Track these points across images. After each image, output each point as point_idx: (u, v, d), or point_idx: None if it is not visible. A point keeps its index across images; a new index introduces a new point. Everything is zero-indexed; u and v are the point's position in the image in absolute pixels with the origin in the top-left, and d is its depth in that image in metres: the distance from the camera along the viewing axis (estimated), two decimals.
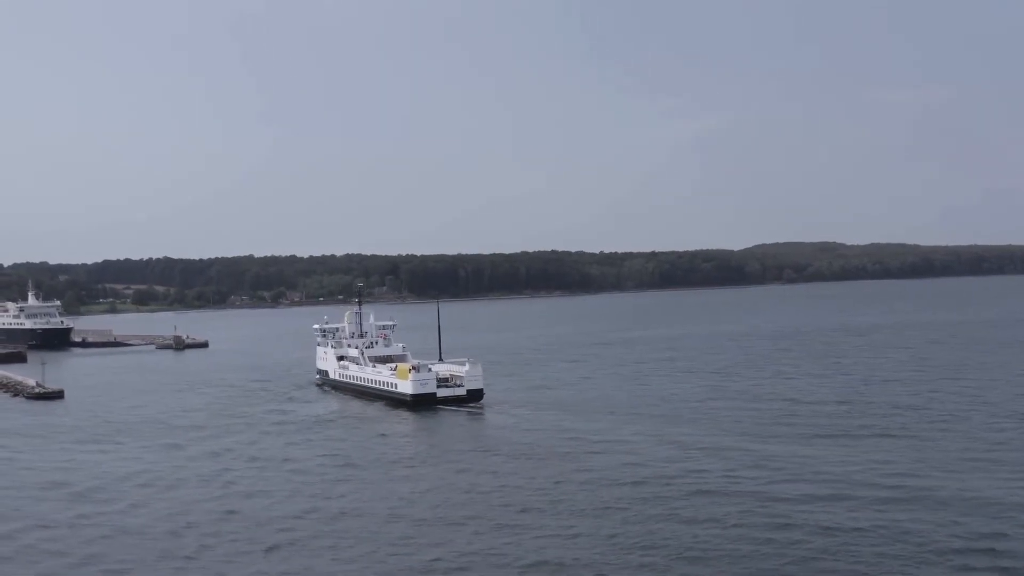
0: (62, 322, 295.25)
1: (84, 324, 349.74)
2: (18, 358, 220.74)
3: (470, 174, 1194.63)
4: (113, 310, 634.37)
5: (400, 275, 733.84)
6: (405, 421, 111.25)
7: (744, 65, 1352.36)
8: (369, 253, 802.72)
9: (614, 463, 78.99)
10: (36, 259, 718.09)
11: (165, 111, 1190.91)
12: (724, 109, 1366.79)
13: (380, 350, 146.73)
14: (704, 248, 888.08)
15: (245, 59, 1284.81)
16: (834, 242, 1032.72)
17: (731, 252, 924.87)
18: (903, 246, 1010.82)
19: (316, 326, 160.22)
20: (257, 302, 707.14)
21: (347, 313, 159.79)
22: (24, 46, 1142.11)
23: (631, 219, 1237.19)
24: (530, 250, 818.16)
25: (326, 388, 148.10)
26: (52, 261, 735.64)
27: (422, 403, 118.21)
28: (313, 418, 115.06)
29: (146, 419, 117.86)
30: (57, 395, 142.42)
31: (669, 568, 51.96)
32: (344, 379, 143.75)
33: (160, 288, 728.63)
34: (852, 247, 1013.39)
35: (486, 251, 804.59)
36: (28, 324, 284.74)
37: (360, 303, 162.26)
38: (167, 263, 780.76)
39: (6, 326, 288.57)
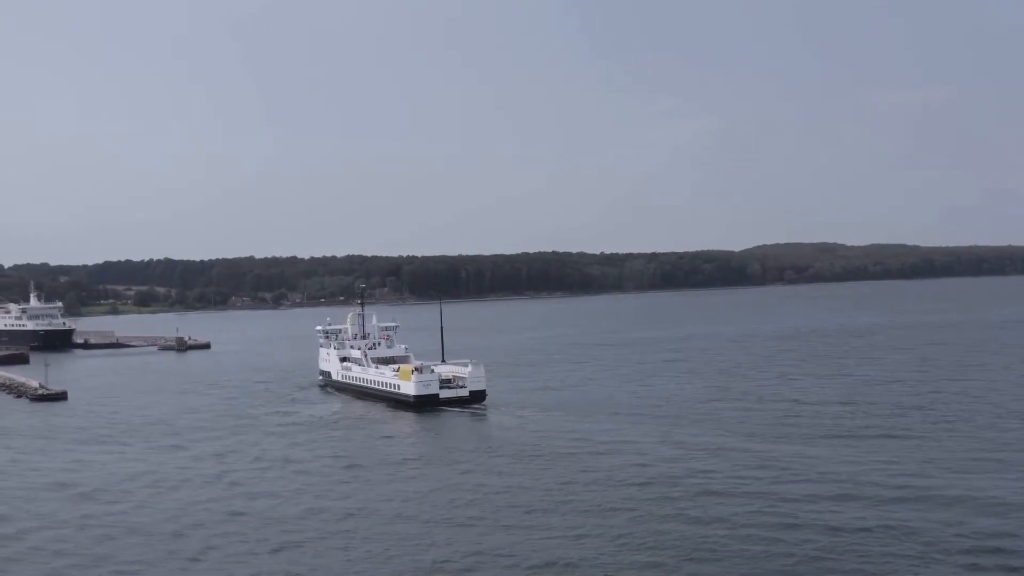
0: (64, 323, 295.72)
1: (85, 325, 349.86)
2: (20, 359, 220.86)
3: (470, 175, 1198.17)
4: (114, 311, 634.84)
5: (401, 276, 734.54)
6: (408, 422, 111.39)
7: (744, 65, 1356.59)
8: (370, 254, 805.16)
9: (619, 464, 79.05)
10: (37, 260, 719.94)
11: (165, 112, 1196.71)
12: (724, 109, 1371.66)
13: (383, 351, 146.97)
14: (705, 249, 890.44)
15: (245, 60, 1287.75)
16: (835, 243, 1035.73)
17: (732, 253, 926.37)
18: (904, 247, 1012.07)
19: (319, 327, 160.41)
20: (258, 303, 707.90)
21: (350, 314, 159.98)
22: (23, 46, 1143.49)
23: (632, 220, 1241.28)
24: (531, 251, 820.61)
25: (329, 389, 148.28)
26: (53, 262, 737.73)
27: (425, 404, 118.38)
28: (316, 419, 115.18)
29: (150, 420, 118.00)
30: (60, 396, 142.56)
31: (678, 568, 52.02)
32: (347, 380, 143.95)
33: (161, 289, 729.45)
34: (853, 248, 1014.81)
35: (487, 252, 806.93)
36: (30, 325, 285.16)
37: (363, 304, 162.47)
38: (168, 264, 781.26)
39: (8, 327, 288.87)
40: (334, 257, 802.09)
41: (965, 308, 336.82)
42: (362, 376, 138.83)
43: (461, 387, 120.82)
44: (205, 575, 54.70)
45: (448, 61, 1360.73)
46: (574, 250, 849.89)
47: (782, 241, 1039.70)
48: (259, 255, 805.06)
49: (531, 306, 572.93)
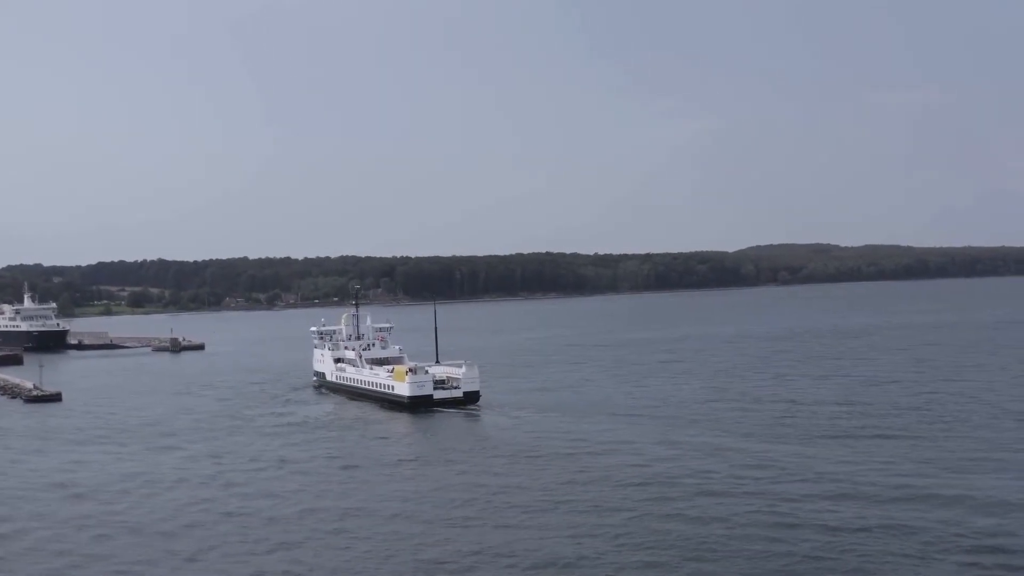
0: (58, 324, 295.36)
1: (79, 326, 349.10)
2: (14, 360, 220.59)
3: (470, 175, 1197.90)
4: (108, 312, 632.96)
5: (395, 277, 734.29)
6: (403, 423, 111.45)
7: (741, 66, 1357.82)
8: (364, 255, 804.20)
9: (617, 464, 79.13)
10: (30, 261, 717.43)
11: (165, 112, 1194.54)
12: (723, 110, 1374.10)
13: (377, 352, 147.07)
14: (699, 250, 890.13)
15: (245, 60, 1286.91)
16: (829, 244, 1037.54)
17: (726, 254, 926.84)
18: (897, 248, 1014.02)
19: (313, 328, 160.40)
20: (252, 304, 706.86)
21: (344, 315, 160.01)
22: (23, 46, 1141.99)
23: (629, 221, 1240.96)
24: (525, 252, 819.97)
25: (323, 390, 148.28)
26: (46, 263, 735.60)
27: (419, 405, 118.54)
28: (311, 420, 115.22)
29: (146, 421, 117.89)
30: (55, 397, 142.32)
31: (678, 567, 52.08)
32: (341, 381, 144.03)
33: (155, 290, 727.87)
34: (846, 249, 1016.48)
35: (481, 253, 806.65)
36: (24, 326, 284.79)
37: (357, 305, 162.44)
38: (161, 265, 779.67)
39: (2, 328, 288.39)
40: (328, 258, 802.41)
41: (959, 309, 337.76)
42: (356, 377, 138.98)
43: (455, 388, 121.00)
44: (203, 575, 54.77)
45: (448, 61, 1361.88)
46: (568, 251, 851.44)
47: (776, 242, 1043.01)
48: (253, 256, 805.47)
49: (525, 307, 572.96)
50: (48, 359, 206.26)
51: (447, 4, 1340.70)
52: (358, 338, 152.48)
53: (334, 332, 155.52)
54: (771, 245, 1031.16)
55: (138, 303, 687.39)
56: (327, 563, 55.42)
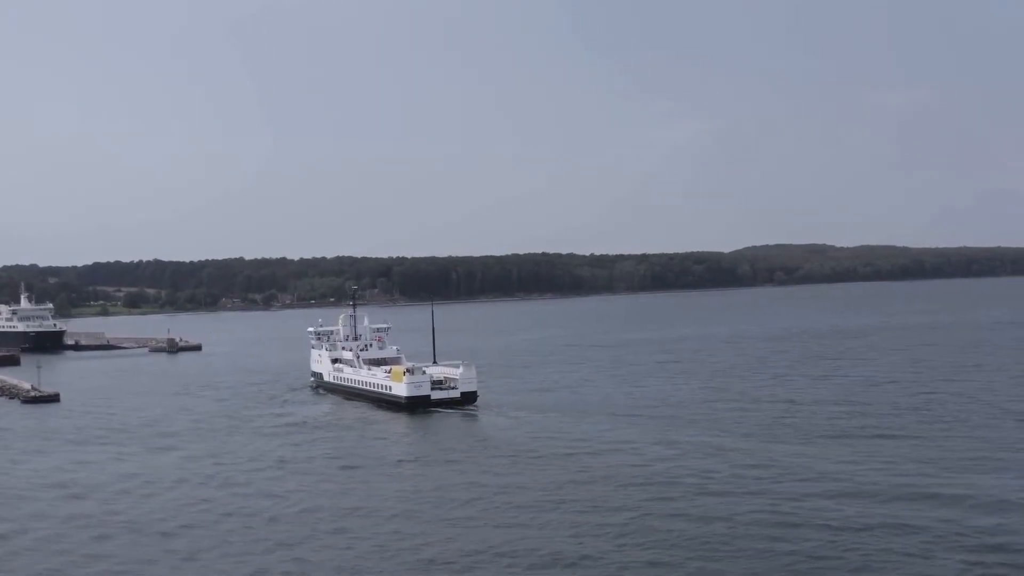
0: (55, 325, 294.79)
1: (76, 327, 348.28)
2: (11, 361, 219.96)
3: (465, 177, 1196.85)
4: (104, 313, 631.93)
5: (392, 277, 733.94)
6: (401, 423, 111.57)
7: (739, 67, 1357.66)
8: (360, 255, 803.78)
9: (617, 464, 79.23)
10: (26, 261, 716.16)
11: (165, 112, 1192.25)
12: (718, 111, 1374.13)
13: (374, 353, 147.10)
14: (695, 250, 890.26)
15: (245, 60, 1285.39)
16: (824, 244, 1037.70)
17: (722, 254, 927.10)
18: (893, 248, 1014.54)
19: (310, 329, 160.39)
20: (248, 304, 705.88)
21: (342, 316, 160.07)
22: (23, 46, 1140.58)
23: (623, 221, 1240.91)
24: (521, 252, 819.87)
25: (321, 391, 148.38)
26: (42, 263, 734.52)
27: (416, 405, 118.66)
28: (310, 420, 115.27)
29: (144, 422, 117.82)
30: (53, 398, 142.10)
31: (682, 566, 52.14)
32: (339, 382, 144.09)
33: (151, 291, 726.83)
34: (842, 249, 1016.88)
35: (478, 253, 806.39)
36: (21, 327, 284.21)
37: (354, 306, 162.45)
38: (157, 265, 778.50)
39: None
40: (324, 258, 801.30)
41: (955, 309, 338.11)
42: (354, 377, 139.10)
43: (452, 388, 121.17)
44: (203, 574, 54.92)
45: (447, 61, 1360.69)
46: (564, 251, 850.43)
47: (772, 242, 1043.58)
48: (249, 256, 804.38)
49: (522, 307, 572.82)
50: (45, 360, 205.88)
51: (447, 4, 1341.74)
52: (356, 339, 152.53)
53: (332, 333, 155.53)
54: (767, 245, 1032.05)
55: (134, 304, 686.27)
56: (328, 562, 55.39)
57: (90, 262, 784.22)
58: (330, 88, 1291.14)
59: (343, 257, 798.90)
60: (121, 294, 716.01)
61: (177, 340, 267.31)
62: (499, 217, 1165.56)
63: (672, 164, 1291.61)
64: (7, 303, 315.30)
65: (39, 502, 74.08)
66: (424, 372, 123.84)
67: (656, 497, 67.11)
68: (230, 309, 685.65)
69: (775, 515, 60.92)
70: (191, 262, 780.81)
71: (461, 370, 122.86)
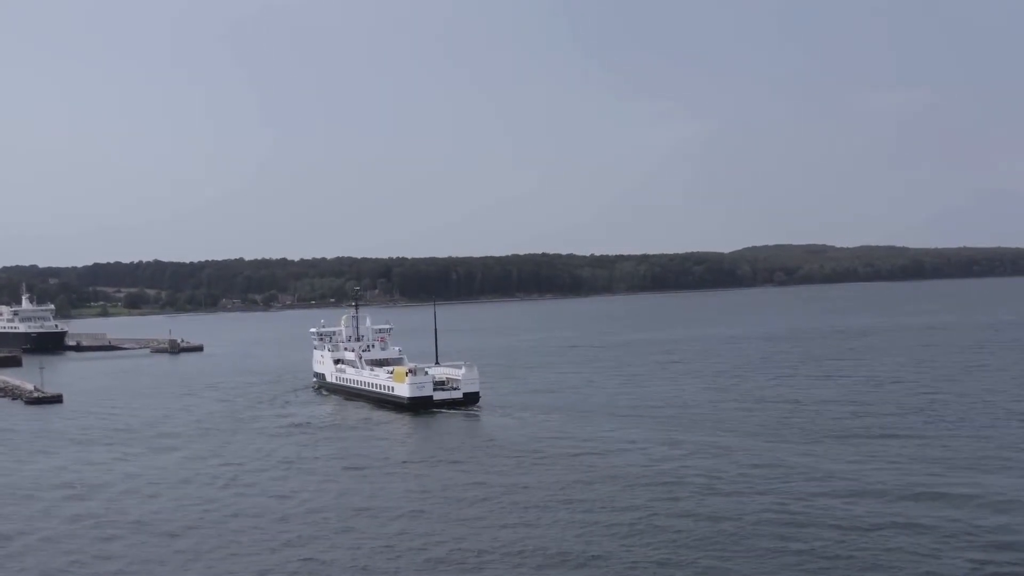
0: (56, 326, 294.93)
1: (77, 328, 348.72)
2: (13, 362, 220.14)
3: (464, 177, 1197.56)
4: (104, 313, 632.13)
5: (392, 278, 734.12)
6: (404, 424, 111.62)
7: (736, 68, 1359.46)
8: (360, 256, 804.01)
9: (623, 464, 79.22)
10: (26, 262, 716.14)
11: (163, 113, 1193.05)
12: (716, 112, 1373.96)
13: (377, 353, 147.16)
14: (695, 251, 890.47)
15: (243, 62, 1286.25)
16: (824, 244, 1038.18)
17: (722, 255, 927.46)
18: (893, 248, 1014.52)
19: (313, 329, 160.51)
20: (249, 305, 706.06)
21: (344, 317, 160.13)
22: (22, 48, 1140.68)
23: (624, 222, 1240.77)
24: (521, 253, 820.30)
25: (323, 391, 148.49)
26: (41, 264, 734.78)
27: (419, 406, 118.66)
28: (313, 421, 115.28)
29: (147, 422, 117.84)
30: (56, 399, 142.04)
31: (691, 565, 52.12)
32: (341, 382, 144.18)
33: (151, 291, 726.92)
34: (842, 249, 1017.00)
35: (478, 254, 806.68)
36: (22, 328, 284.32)
37: (356, 307, 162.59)
38: (157, 266, 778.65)
39: (0, 330, 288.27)
40: (324, 259, 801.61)
41: (956, 310, 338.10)
42: (356, 378, 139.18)
43: (455, 389, 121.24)
44: (211, 574, 54.93)
45: (445, 62, 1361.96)
46: (564, 252, 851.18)
47: (772, 243, 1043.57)
48: (249, 257, 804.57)
49: (522, 308, 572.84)
50: (47, 361, 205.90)
51: (444, 5, 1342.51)
52: (358, 339, 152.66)
53: (334, 333, 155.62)
54: (767, 246, 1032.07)
55: (134, 304, 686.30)
56: (336, 562, 55.35)
57: (90, 263, 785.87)
58: (329, 89, 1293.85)
59: (343, 258, 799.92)
60: (121, 295, 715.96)
61: (179, 341, 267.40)
62: (499, 217, 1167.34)
63: (672, 165, 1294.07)
64: (8, 304, 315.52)
65: (46, 501, 74.10)
66: (427, 373, 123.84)
67: (663, 497, 67.07)
68: (230, 310, 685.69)
69: (784, 515, 60.90)
70: (191, 263, 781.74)
71: (463, 371, 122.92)
